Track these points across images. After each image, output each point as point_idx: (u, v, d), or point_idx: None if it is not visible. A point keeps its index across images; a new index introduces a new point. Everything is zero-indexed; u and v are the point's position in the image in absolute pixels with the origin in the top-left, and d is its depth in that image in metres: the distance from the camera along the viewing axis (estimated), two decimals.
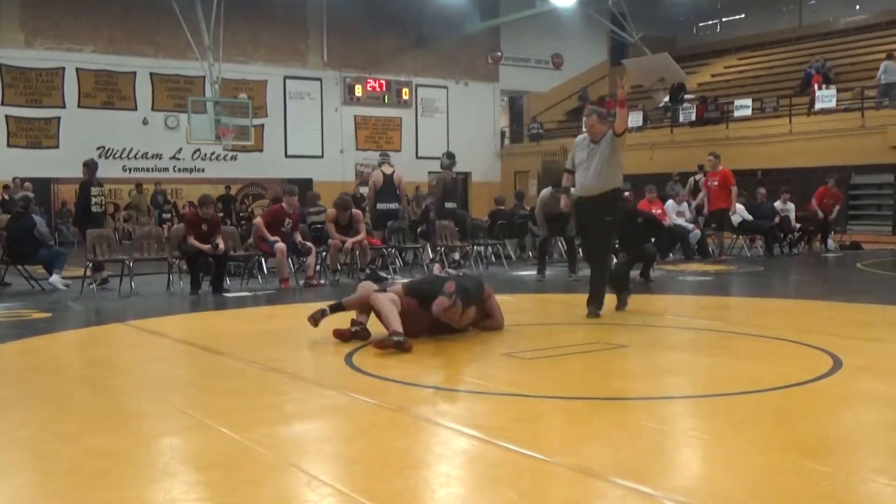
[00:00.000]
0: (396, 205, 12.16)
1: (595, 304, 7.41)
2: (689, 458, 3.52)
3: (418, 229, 14.31)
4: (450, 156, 14.04)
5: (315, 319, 6.33)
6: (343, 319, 6.28)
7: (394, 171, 12.40)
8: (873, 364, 5.24)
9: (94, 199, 11.21)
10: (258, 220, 11.32)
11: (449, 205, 13.55)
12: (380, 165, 12.92)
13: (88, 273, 10.56)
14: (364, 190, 19.42)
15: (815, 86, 22.18)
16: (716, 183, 13.77)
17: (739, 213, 15.45)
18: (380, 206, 11.75)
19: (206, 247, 10.05)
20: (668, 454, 3.55)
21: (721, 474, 3.23)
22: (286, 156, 26.14)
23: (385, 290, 6.26)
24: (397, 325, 5.80)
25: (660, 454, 3.51)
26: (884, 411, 4.18)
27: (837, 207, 16.08)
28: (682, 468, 3.40)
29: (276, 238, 10.61)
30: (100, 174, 11.73)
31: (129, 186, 23.83)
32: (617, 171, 7.30)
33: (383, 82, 27.79)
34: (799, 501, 2.89)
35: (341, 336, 6.11)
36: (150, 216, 22.84)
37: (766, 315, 7.76)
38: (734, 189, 13.84)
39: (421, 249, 13.53)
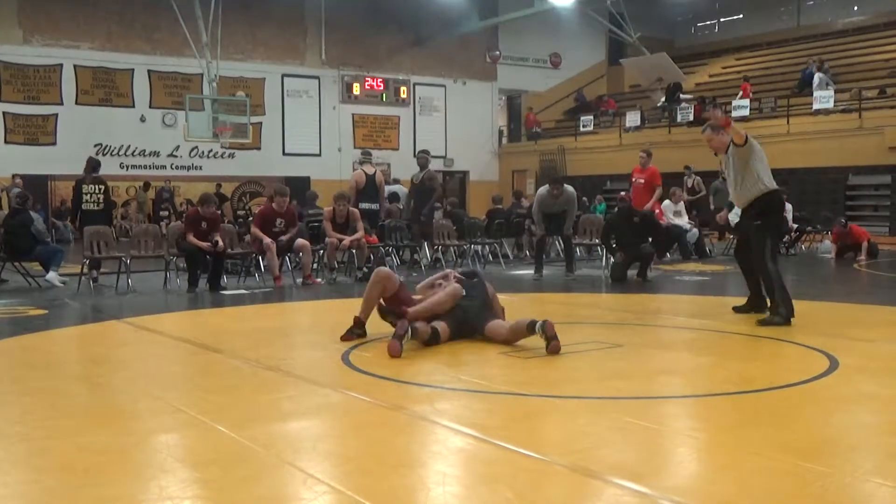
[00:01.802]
0: (378, 205, 12.18)
1: (750, 304, 7.29)
2: (684, 458, 3.52)
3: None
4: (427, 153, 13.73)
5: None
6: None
7: (375, 172, 12.41)
8: (869, 365, 5.24)
9: (84, 197, 11.23)
10: (253, 225, 11.36)
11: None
12: (361, 164, 12.91)
13: (86, 270, 10.55)
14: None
15: (742, 93, 23.31)
16: (641, 181, 12.97)
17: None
18: (362, 205, 11.76)
19: (206, 244, 10.05)
20: (663, 454, 3.55)
21: (716, 474, 3.23)
22: (284, 154, 26.14)
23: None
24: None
25: (656, 454, 3.51)
26: (879, 412, 4.18)
27: (865, 244, 14.58)
28: (677, 468, 3.40)
29: (269, 238, 10.60)
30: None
31: (125, 184, 23.81)
32: (756, 177, 7.08)
33: (381, 81, 27.78)
34: (794, 502, 2.89)
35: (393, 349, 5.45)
36: (149, 214, 22.79)
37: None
38: (658, 190, 12.96)
39: (418, 248, 13.53)
